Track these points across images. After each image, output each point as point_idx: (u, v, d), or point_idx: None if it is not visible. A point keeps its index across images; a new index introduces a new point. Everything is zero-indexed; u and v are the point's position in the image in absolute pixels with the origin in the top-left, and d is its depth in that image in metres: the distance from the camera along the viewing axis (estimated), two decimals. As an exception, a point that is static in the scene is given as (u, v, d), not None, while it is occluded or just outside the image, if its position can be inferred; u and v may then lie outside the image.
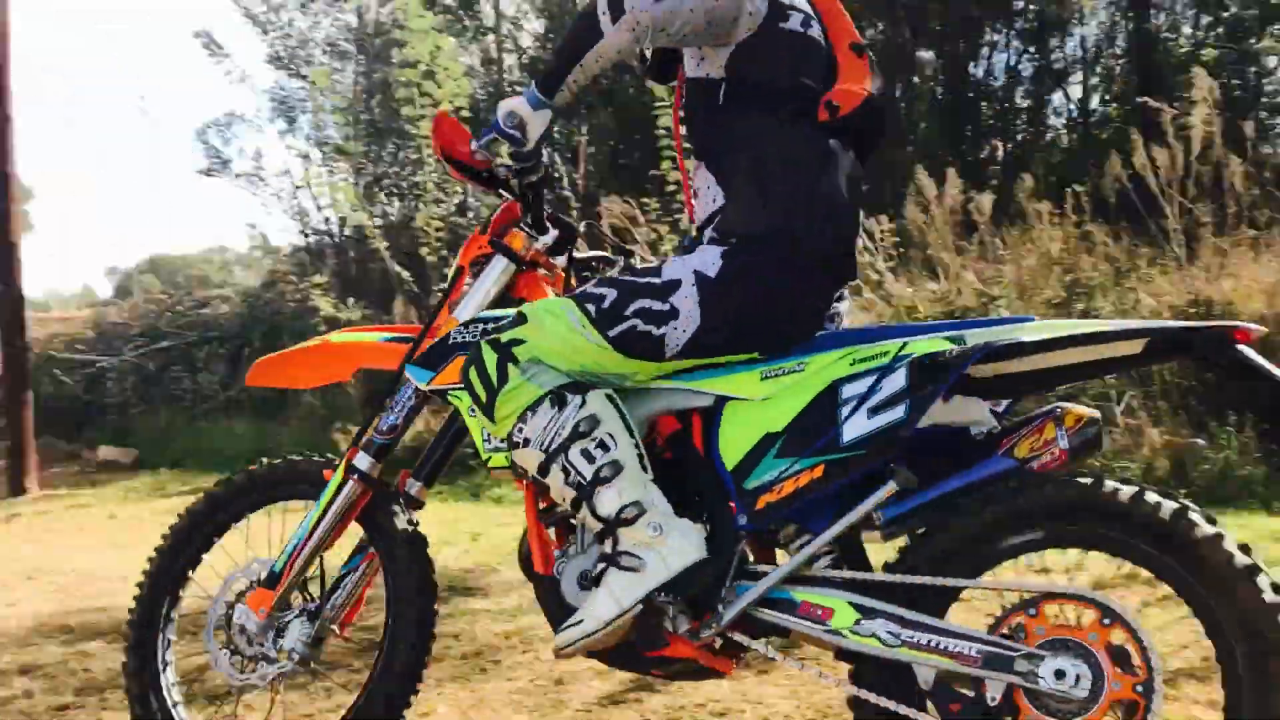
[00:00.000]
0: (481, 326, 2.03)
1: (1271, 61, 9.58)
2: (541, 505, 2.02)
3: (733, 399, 1.84)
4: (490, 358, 1.86)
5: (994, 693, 1.65)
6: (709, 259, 1.84)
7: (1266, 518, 4.12)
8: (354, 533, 2.20)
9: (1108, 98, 10.93)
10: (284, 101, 12.58)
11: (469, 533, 4.85)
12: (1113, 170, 6.17)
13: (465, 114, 7.94)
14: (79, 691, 2.97)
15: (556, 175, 8.47)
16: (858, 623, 1.72)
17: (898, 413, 1.71)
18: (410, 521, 2.15)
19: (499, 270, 2.11)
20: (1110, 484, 1.69)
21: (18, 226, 8.50)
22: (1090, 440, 1.76)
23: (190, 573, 2.30)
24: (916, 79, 11.07)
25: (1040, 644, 1.65)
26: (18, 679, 3.12)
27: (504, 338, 1.87)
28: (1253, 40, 9.36)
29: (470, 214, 8.82)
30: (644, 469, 1.82)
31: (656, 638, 1.83)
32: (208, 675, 2.69)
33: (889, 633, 1.70)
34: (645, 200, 7.20)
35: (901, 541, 1.82)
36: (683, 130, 2.04)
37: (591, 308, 1.85)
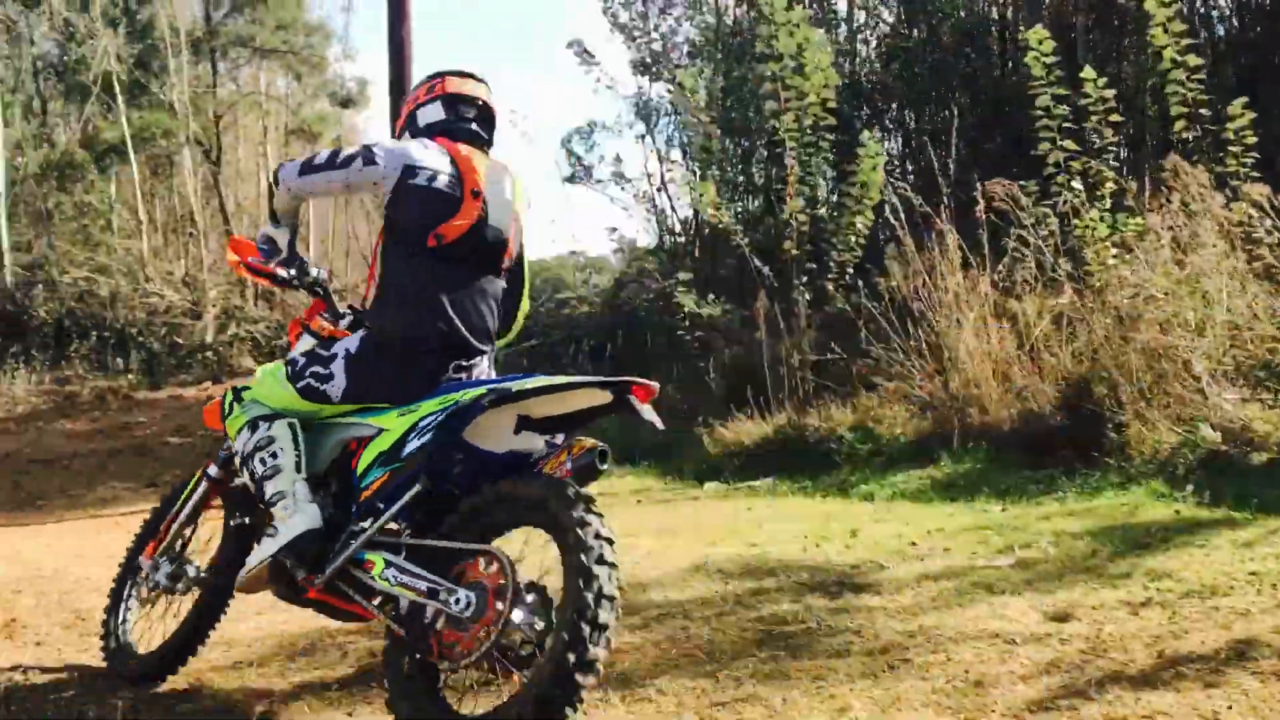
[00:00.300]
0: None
1: None
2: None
3: (384, 430, 2.65)
4: (228, 398, 2.97)
5: (430, 616, 2.41)
6: (354, 341, 2.77)
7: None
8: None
9: None
10: (645, 105, 13.17)
11: (846, 529, 4.74)
12: None
13: (831, 104, 7.86)
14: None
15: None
16: (382, 571, 2.49)
17: (427, 438, 2.52)
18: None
19: (310, 342, 3.04)
20: (538, 485, 2.43)
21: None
22: (586, 464, 2.54)
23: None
24: None
25: (462, 583, 2.38)
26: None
27: (241, 385, 2.96)
28: None
29: (821, 207, 8.70)
30: (297, 471, 2.68)
31: (293, 583, 2.65)
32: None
33: (393, 576, 2.47)
34: (1024, 183, 6.73)
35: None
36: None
37: (289, 369, 2.82)
